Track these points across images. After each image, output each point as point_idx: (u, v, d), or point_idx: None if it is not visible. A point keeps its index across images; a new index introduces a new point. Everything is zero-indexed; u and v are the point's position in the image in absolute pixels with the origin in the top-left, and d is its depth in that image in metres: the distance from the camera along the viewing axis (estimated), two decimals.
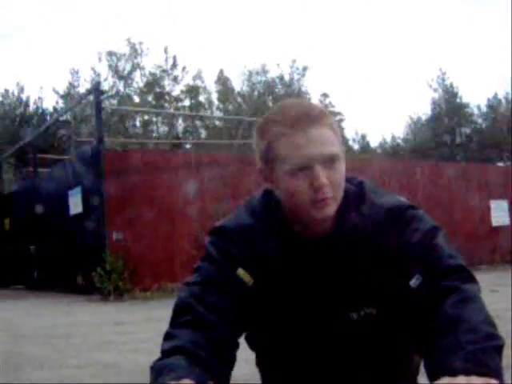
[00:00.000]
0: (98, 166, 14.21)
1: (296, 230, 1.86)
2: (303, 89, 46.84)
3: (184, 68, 44.19)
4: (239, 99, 45.54)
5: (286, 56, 77.67)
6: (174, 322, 1.75)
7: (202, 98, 45.65)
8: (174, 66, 43.80)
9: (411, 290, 1.71)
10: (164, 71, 43.81)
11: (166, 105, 43.86)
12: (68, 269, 15.73)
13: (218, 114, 45.79)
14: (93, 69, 44.01)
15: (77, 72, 44.61)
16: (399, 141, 52.62)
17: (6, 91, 45.62)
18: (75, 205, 15.34)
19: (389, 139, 55.03)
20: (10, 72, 67.15)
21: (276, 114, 1.81)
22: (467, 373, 1.43)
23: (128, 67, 43.62)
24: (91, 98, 17.06)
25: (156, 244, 14.20)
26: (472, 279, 1.71)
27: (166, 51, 43.69)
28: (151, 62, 44.23)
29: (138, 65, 43.68)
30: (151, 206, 14.46)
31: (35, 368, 5.79)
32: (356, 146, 53.41)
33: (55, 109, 44.01)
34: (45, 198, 17.50)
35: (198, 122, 45.02)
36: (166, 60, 43.73)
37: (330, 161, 1.74)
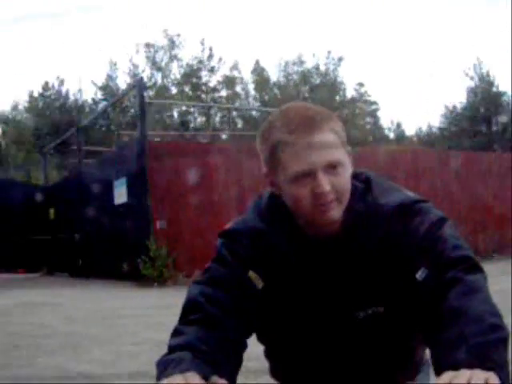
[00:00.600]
0: (142, 157, 14.67)
1: (305, 231, 1.86)
2: (338, 79, 46.93)
3: (220, 59, 44.66)
4: (275, 90, 45.79)
5: (321, 46, 77.54)
6: (183, 319, 1.76)
7: (238, 89, 46.00)
8: (211, 56, 44.26)
9: (417, 283, 1.72)
10: (201, 62, 44.24)
11: (203, 96, 44.28)
12: (113, 256, 16.23)
13: (254, 104, 46.07)
14: (130, 61, 44.55)
15: (115, 64, 45.21)
16: (435, 130, 52.44)
17: (46, 83, 46.46)
18: (120, 194, 15.84)
19: (424, 128, 54.89)
20: (50, 65, 68.08)
21: (278, 120, 1.80)
22: (471, 366, 1.42)
23: (165, 59, 44.15)
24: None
25: (198, 232, 14.59)
26: (477, 269, 1.70)
27: (202, 43, 44.16)
28: (188, 54, 44.64)
29: (175, 56, 44.17)
30: (193, 196, 14.89)
31: (94, 345, 6.18)
32: (391, 135, 53.34)
33: (94, 100, 44.74)
34: (89, 188, 17.91)
35: (234, 113, 45.41)
36: (203, 51, 44.21)
37: (332, 166, 1.73)
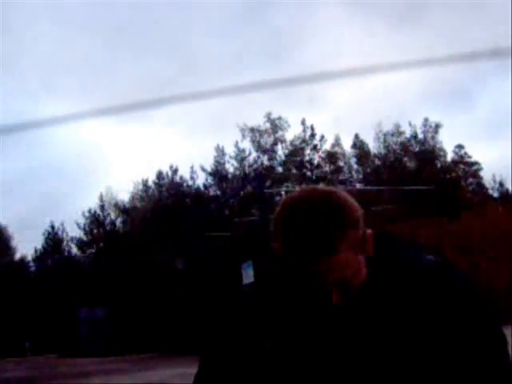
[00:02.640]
0: (266, 242, 16.36)
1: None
2: (437, 145, 47.84)
3: (322, 136, 46.70)
4: (376, 161, 47.27)
5: (418, 113, 78.73)
6: None
7: (341, 163, 47.78)
8: (313, 136, 46.42)
9: None
10: (304, 141, 46.43)
11: (308, 173, 46.29)
12: None
13: (356, 176, 47.68)
14: (236, 145, 47.08)
15: (222, 149, 47.81)
16: None
17: (160, 173, 49.56)
18: (247, 275, 17.59)
19: None
20: (163, 153, 71.95)
21: (280, 233, 1.61)
22: None
23: (270, 141, 46.53)
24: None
25: None
26: None
27: (303, 122, 46.38)
28: (291, 134, 46.84)
29: (278, 138, 46.52)
30: None
31: None
32: (495, 194, 53.33)
33: (205, 186, 47.40)
34: (215, 272, 19.49)
35: (339, 186, 47.11)
36: (304, 131, 46.42)
37: (344, 283, 1.60)
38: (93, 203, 52.12)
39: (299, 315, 1.74)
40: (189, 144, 66.92)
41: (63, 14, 65.38)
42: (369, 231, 1.65)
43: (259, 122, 46.93)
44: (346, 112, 68.74)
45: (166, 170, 49.58)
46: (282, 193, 39.64)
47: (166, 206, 45.15)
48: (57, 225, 53.68)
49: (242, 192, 37.45)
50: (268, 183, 42.81)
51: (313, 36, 68.56)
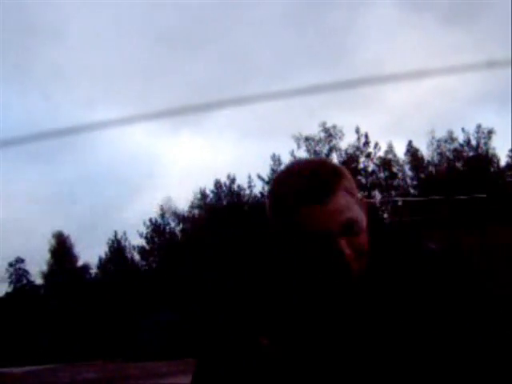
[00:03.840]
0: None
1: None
2: (490, 151, 48.21)
3: (376, 144, 47.70)
4: (430, 167, 47.98)
5: (470, 120, 78.69)
6: None
7: (394, 170, 48.62)
8: (367, 143, 47.45)
9: None
10: (358, 149, 47.49)
11: (363, 180, 47.28)
12: None
13: (410, 182, 48.46)
14: (292, 154, 48.27)
15: (278, 158, 49.05)
16: None
17: (218, 182, 51.02)
18: None
19: None
20: (221, 164, 73.16)
21: (286, 185, 1.63)
22: None
23: (325, 150, 47.67)
24: None
25: None
26: None
27: (357, 131, 47.43)
28: (345, 143, 47.90)
29: (333, 147, 47.67)
30: None
31: None
32: None
33: (262, 194, 48.69)
34: None
35: (393, 192, 47.99)
36: (359, 139, 47.48)
37: (348, 226, 1.60)
38: (153, 212, 53.77)
39: (307, 292, 1.69)
40: (241, 150, 68.29)
41: (116, 19, 66.50)
42: (364, 199, 1.71)
43: (314, 130, 48.13)
44: (400, 115, 69.34)
45: (223, 179, 51.04)
46: None
47: (224, 214, 46.49)
48: (120, 234, 55.50)
49: None
50: None
51: (366, 38, 69.25)
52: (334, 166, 1.69)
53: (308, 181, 1.61)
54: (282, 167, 1.77)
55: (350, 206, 1.63)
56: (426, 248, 1.75)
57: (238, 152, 70.96)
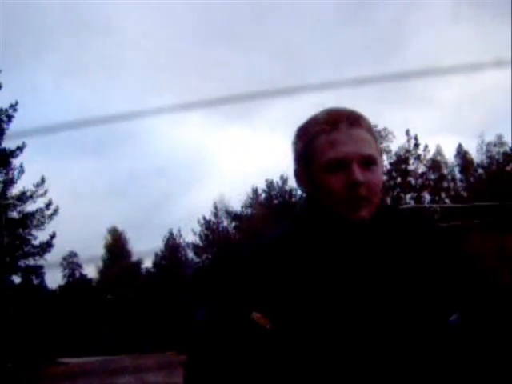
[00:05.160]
0: None
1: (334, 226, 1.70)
2: None
3: (426, 146, 48.38)
4: (479, 170, 48.39)
5: None
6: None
7: (444, 171, 49.20)
8: (416, 145, 48.17)
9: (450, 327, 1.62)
10: (408, 151, 48.20)
11: (413, 181, 48.03)
12: None
13: (459, 185, 48.99)
14: None
15: None
16: None
17: (271, 182, 52.13)
18: None
19: None
20: (273, 162, 73.73)
21: (317, 116, 1.77)
22: None
23: None
24: None
25: None
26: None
27: (407, 133, 48.15)
28: (395, 145, 48.64)
29: (384, 149, 48.42)
30: None
31: None
32: None
33: None
34: None
35: (443, 194, 48.57)
36: (408, 141, 48.22)
37: (367, 161, 1.68)
38: (205, 208, 55.09)
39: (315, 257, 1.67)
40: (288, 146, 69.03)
41: (168, 11, 66.84)
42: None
43: None
44: (450, 112, 69.21)
45: (275, 178, 52.08)
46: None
47: (276, 213, 47.58)
48: (175, 231, 56.97)
49: None
50: None
51: (417, 33, 69.08)
52: (362, 113, 1.77)
53: (339, 113, 1.75)
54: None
55: (372, 144, 1.73)
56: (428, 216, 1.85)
57: (284, 148, 71.49)
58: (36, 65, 72.31)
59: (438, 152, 49.11)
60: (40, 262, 35.59)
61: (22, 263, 34.80)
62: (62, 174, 63.24)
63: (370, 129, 1.75)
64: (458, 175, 49.34)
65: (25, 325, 32.06)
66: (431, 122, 70.97)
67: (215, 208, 54.21)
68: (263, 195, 52.91)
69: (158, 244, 56.73)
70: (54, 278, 55.12)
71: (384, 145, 48.29)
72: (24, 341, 31.64)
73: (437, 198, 47.61)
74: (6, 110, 32.10)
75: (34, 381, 26.26)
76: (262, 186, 52.84)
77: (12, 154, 32.72)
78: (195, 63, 76.03)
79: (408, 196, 47.96)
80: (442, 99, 65.31)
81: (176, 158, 74.59)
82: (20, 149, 32.82)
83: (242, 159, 72.68)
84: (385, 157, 48.53)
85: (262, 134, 71.47)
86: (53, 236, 35.64)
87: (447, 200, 48.08)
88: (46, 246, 35.39)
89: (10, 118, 32.08)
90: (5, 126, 32.22)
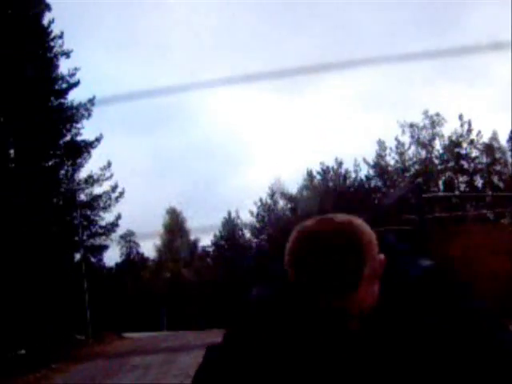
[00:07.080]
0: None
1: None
2: None
3: (479, 132, 48.91)
4: None
5: None
6: None
7: (497, 155, 49.61)
8: (470, 131, 48.70)
9: None
10: (461, 136, 48.79)
11: (466, 165, 48.63)
12: None
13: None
14: (396, 139, 49.99)
15: (383, 143, 50.84)
16: None
17: (327, 167, 53.23)
18: None
19: None
20: (327, 143, 74.08)
21: (305, 266, 1.59)
22: None
23: (428, 136, 49.24)
24: None
25: None
26: None
27: (460, 118, 48.68)
28: (448, 130, 49.23)
29: (436, 134, 49.16)
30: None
31: None
32: None
33: (367, 177, 50.86)
34: None
35: (495, 178, 49.05)
36: (462, 126, 48.79)
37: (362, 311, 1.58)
38: (261, 190, 56.19)
39: (309, 344, 1.61)
40: (347, 129, 68.43)
41: None
42: (381, 256, 1.62)
43: (417, 118, 49.51)
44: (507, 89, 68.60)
45: (330, 162, 53.08)
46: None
47: (332, 196, 48.73)
48: (233, 214, 58.31)
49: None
50: (424, 178, 45.65)
51: (474, 8, 68.11)
52: (359, 246, 1.59)
53: (331, 271, 1.54)
54: (303, 224, 1.69)
55: (368, 294, 1.59)
56: (420, 269, 1.71)
57: (344, 131, 71.39)
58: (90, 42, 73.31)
59: (494, 137, 49.48)
60: (105, 241, 37.61)
61: (88, 243, 36.66)
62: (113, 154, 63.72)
63: (369, 275, 1.60)
64: (510, 160, 49.67)
65: (89, 300, 33.63)
66: (487, 100, 70.43)
67: (271, 190, 55.40)
68: (318, 177, 53.94)
69: (215, 222, 57.66)
70: (113, 256, 56.31)
71: (436, 130, 49.03)
72: (91, 315, 33.24)
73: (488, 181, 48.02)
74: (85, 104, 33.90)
75: (102, 353, 27.40)
76: (316, 168, 53.92)
77: (91, 144, 34.60)
78: (247, 41, 75.49)
79: (460, 179, 48.69)
80: (500, 76, 64.54)
81: (231, 137, 75.08)
82: (98, 140, 34.72)
83: (297, 141, 73.20)
84: (437, 141, 49.39)
85: (317, 114, 71.45)
86: (118, 217, 37.61)
87: (501, 184, 48.54)
88: (112, 227, 37.37)
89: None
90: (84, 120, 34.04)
